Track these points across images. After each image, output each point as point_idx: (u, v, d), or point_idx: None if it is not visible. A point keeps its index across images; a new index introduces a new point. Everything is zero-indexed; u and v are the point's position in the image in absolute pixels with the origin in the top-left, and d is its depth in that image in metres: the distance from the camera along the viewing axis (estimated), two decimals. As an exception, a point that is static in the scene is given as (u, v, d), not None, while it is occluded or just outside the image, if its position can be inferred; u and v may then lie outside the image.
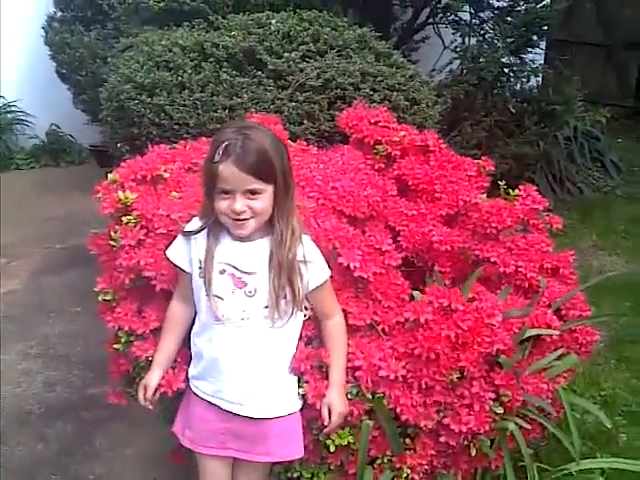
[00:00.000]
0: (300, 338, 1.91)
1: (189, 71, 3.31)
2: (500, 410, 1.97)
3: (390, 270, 2.04)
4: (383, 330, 1.98)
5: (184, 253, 1.85)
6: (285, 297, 1.79)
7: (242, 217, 1.73)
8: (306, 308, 1.88)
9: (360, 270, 1.96)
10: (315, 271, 1.84)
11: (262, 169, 1.70)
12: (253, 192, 1.71)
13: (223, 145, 1.70)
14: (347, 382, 1.90)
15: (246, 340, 1.80)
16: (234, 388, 1.83)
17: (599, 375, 3.14)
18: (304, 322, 1.91)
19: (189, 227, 1.86)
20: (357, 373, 1.90)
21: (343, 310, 1.95)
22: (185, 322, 1.93)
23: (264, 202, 1.73)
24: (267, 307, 1.78)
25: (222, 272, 1.79)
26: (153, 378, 1.91)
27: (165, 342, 1.94)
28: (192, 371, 1.92)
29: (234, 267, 1.79)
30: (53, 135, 6.21)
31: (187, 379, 1.94)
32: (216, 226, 1.80)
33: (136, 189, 2.11)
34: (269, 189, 1.73)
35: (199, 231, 1.83)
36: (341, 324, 1.93)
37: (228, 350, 1.81)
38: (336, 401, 1.84)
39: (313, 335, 1.95)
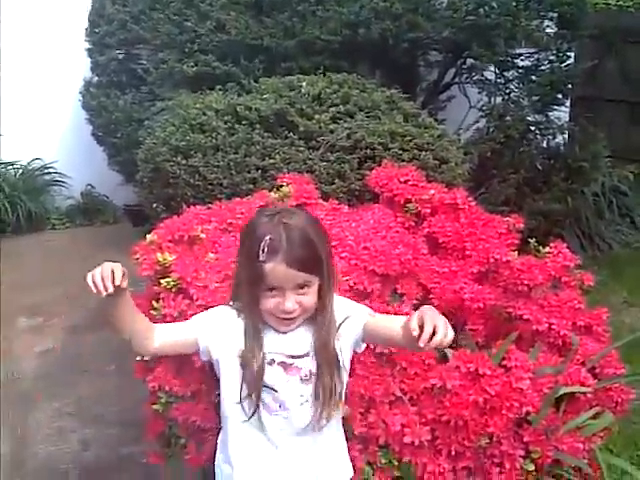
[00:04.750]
0: None
1: (223, 133, 3.41)
2: (531, 467, 1.95)
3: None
4: (411, 398, 1.95)
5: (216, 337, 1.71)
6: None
7: (292, 316, 1.61)
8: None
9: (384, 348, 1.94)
10: (355, 319, 1.68)
11: (311, 261, 1.57)
12: (302, 286, 1.58)
13: (266, 241, 1.54)
14: (374, 450, 1.88)
15: (305, 423, 1.66)
16: (299, 471, 1.69)
17: (635, 435, 3.08)
18: None
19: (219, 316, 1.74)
20: (381, 440, 1.89)
21: (366, 378, 1.91)
22: (147, 338, 1.74)
23: (313, 296, 1.61)
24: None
25: (271, 363, 1.65)
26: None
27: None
28: (235, 458, 1.72)
29: (283, 354, 1.65)
30: (88, 195, 6.31)
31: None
32: (256, 318, 1.66)
33: (173, 249, 2.15)
34: (316, 282, 1.60)
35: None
36: None
37: (288, 436, 1.68)
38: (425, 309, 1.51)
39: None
